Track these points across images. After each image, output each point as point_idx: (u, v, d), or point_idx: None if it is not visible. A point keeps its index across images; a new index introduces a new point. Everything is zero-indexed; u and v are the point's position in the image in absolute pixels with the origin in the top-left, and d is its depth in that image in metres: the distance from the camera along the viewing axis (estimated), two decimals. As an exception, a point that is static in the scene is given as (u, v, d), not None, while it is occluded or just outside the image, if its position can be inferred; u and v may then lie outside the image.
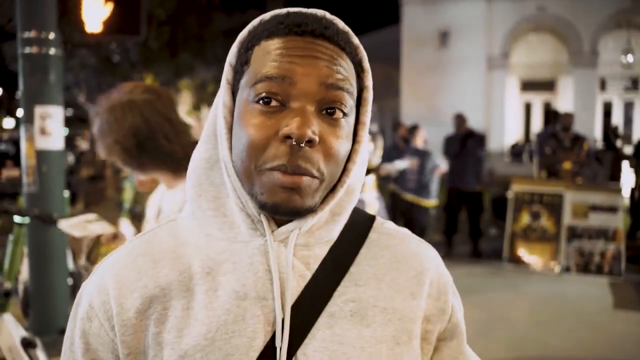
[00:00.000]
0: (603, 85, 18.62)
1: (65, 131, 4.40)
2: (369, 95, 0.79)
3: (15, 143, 12.61)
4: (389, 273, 0.81)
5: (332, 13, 0.77)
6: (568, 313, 5.22)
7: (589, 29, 17.40)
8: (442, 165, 7.37)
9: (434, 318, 0.83)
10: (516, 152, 16.74)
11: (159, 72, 13.14)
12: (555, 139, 6.99)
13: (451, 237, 7.46)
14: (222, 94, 0.77)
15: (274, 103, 0.71)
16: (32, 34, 4.03)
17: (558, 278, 6.44)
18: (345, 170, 0.77)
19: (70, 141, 13.79)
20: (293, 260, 0.76)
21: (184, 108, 30.92)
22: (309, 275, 0.76)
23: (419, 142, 7.19)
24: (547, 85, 18.89)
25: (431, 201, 7.00)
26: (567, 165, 6.88)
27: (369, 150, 5.37)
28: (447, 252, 7.37)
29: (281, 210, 0.72)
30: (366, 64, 0.79)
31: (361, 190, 0.86)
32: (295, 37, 0.72)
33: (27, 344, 3.17)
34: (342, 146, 0.73)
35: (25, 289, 4.69)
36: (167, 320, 0.75)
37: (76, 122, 23.66)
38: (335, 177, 0.75)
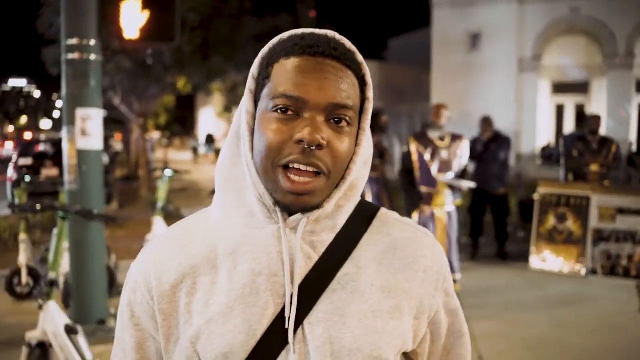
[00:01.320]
0: (639, 88, 18.27)
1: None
2: (370, 105, 0.94)
3: (54, 144, 13.06)
4: (387, 258, 0.95)
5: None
6: (591, 315, 5.26)
7: (624, 30, 17.14)
8: (468, 167, 7.41)
9: (425, 302, 0.96)
10: (547, 154, 16.58)
11: (191, 75, 13.44)
12: (583, 141, 7.00)
13: (477, 239, 7.53)
14: (246, 102, 0.92)
15: (289, 112, 0.86)
16: (74, 41, 4.29)
17: (584, 280, 6.46)
18: (347, 169, 0.91)
19: (105, 142, 14.18)
20: (302, 244, 0.90)
21: (215, 110, 31.33)
22: (316, 257, 0.91)
23: None
24: (580, 88, 18.63)
25: (455, 201, 7.05)
26: (594, 167, 6.89)
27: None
28: (473, 254, 7.44)
29: (293, 209, 0.88)
30: (368, 79, 0.94)
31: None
32: (309, 57, 0.87)
33: (70, 331, 3.42)
34: (346, 149, 0.88)
35: (66, 281, 4.97)
36: (196, 293, 0.91)
37: (111, 124, 24.28)
38: (341, 174, 0.89)
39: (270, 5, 15.47)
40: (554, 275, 6.64)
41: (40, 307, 3.45)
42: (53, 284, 3.51)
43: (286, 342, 0.87)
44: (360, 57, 0.93)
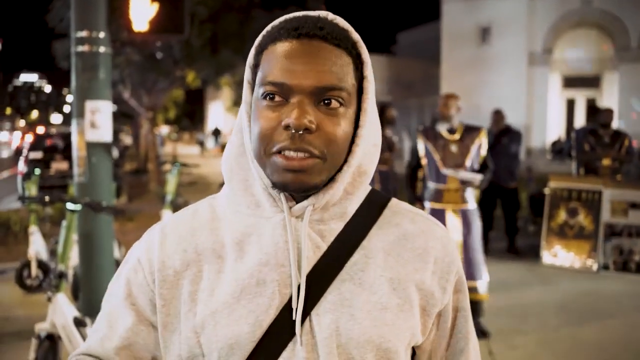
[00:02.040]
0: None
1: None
2: (369, 84, 0.89)
3: (64, 137, 13.10)
4: (396, 248, 0.92)
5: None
6: (603, 310, 5.21)
7: (637, 23, 16.96)
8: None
9: (436, 294, 0.92)
10: (557, 149, 16.46)
11: (200, 69, 13.44)
12: (595, 135, 6.91)
13: (487, 233, 7.47)
14: (244, 92, 0.91)
15: (278, 98, 0.83)
16: (84, 33, 4.28)
17: (596, 276, 6.40)
18: (350, 152, 0.88)
19: (114, 136, 14.24)
20: (310, 233, 0.88)
21: (225, 104, 31.34)
22: (324, 247, 0.88)
23: None
24: (591, 81, 18.47)
25: None
26: (606, 161, 6.80)
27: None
28: (483, 248, 7.38)
29: (289, 187, 0.84)
30: (365, 57, 0.89)
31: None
32: (293, 40, 0.84)
33: (78, 323, 3.41)
34: (339, 131, 0.84)
35: (75, 274, 4.97)
36: (202, 281, 0.89)
37: (121, 118, 24.35)
38: (339, 157, 0.86)
39: (279, -2, 15.38)
40: (565, 270, 6.58)
41: (49, 299, 3.45)
42: (62, 276, 3.51)
43: (293, 333, 0.85)
44: (355, 35, 0.89)
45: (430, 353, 0.98)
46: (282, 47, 0.85)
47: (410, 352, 0.95)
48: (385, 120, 6.95)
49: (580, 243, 6.70)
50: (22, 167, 12.03)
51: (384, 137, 6.83)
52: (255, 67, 0.89)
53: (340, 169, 0.88)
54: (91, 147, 4.37)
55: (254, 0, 14.23)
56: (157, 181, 14.04)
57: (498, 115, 7.44)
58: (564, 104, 19.05)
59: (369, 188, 0.98)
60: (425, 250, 0.93)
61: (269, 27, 0.89)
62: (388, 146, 6.87)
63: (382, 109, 6.98)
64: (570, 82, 18.76)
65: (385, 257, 0.90)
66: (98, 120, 4.36)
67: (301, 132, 0.81)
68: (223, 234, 0.91)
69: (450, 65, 18.87)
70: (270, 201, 0.88)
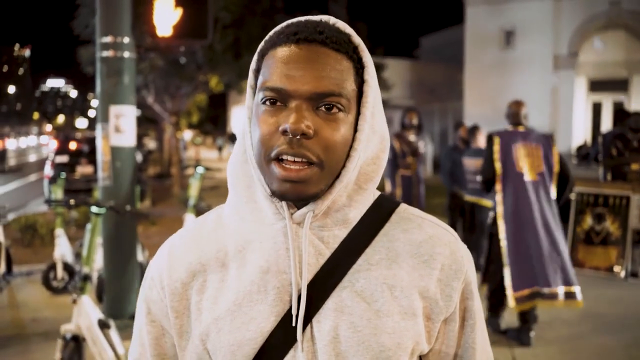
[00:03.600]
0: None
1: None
2: (369, 88, 0.88)
3: (89, 142, 13.32)
4: (401, 255, 0.90)
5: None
6: (629, 318, 5.11)
7: (667, 25, 16.63)
8: None
9: (441, 302, 0.90)
10: (583, 154, 16.21)
11: (223, 73, 13.54)
12: (623, 139, 6.80)
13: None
14: (247, 97, 0.91)
15: (276, 103, 0.83)
16: (108, 38, 4.36)
17: (622, 283, 6.28)
18: (348, 156, 0.86)
19: (138, 140, 14.46)
20: (313, 239, 0.88)
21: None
22: (328, 253, 0.88)
23: (480, 142, 7.14)
24: (620, 85, 18.13)
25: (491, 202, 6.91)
26: (635, 166, 6.68)
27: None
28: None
29: (288, 197, 0.84)
30: (366, 61, 0.88)
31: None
32: (292, 45, 0.84)
33: (103, 325, 3.47)
34: (338, 136, 0.83)
35: (100, 276, 5.05)
36: (206, 290, 0.90)
37: (144, 122, 24.66)
38: (338, 164, 0.85)
39: (301, 3, 15.50)
40: (591, 277, 6.47)
41: (75, 301, 3.51)
42: (87, 278, 3.56)
43: (294, 340, 0.85)
44: (356, 39, 0.89)
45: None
46: (281, 52, 0.85)
47: None
48: (410, 124, 6.91)
49: (607, 249, 6.59)
50: (48, 170, 12.27)
51: (407, 142, 6.81)
52: (257, 72, 0.89)
53: (339, 175, 0.87)
54: (115, 151, 4.44)
55: (277, 5, 14.32)
56: (180, 185, 14.18)
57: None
58: (590, 107, 18.76)
59: (377, 194, 0.97)
60: (432, 257, 0.91)
61: (271, 32, 0.90)
62: (412, 151, 6.85)
63: (405, 113, 6.96)
64: (597, 85, 18.45)
65: (389, 264, 0.89)
66: (122, 125, 4.43)
67: (298, 137, 0.81)
68: (226, 242, 0.92)
69: (474, 69, 18.73)
70: (272, 208, 0.88)
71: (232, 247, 0.91)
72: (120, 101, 4.42)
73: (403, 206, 0.97)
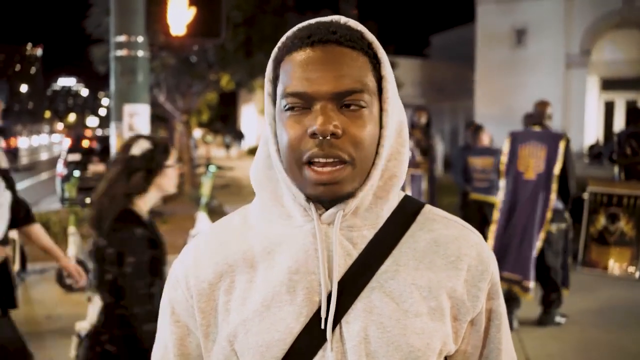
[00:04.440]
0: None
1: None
2: (387, 84, 0.88)
3: (101, 140, 13.41)
4: (428, 256, 0.90)
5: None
6: (645, 319, 5.07)
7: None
8: None
9: (467, 302, 0.90)
10: (595, 153, 16.08)
11: (234, 72, 13.57)
12: (637, 138, 6.73)
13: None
14: (266, 105, 0.91)
15: (300, 108, 0.84)
16: (123, 38, 4.37)
17: (636, 283, 6.22)
18: (376, 154, 0.87)
19: (150, 139, 14.45)
20: (342, 240, 0.88)
21: (257, 107, 31.58)
22: (355, 254, 0.88)
23: (485, 141, 7.13)
24: (633, 84, 17.94)
25: None
26: (649, 166, 6.62)
27: None
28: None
29: (324, 199, 0.85)
30: (381, 57, 0.88)
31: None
32: (307, 48, 0.84)
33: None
34: (366, 133, 0.84)
35: (113, 274, 5.06)
36: (234, 291, 0.90)
37: (155, 121, 24.77)
38: (368, 160, 0.86)
39: (312, 1, 15.46)
40: (604, 278, 6.42)
41: (89, 299, 3.52)
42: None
43: (323, 340, 0.85)
44: (369, 36, 0.88)
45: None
46: (297, 56, 0.85)
47: None
48: (419, 123, 6.90)
49: (621, 250, 6.53)
50: (61, 169, 12.35)
51: (415, 140, 6.78)
52: (275, 79, 0.89)
53: (369, 173, 0.87)
54: (129, 149, 4.45)
55: (288, 4, 14.32)
56: (191, 184, 14.22)
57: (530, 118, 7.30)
58: (602, 106, 18.60)
59: (402, 194, 0.97)
60: (459, 258, 0.91)
61: (283, 38, 0.89)
62: (424, 150, 6.83)
63: (414, 112, 6.93)
64: (610, 84, 18.29)
65: (417, 265, 0.89)
66: (136, 123, 4.45)
67: (328, 137, 0.81)
68: (254, 243, 0.92)
69: (485, 67, 18.63)
70: (300, 211, 0.88)
71: (260, 248, 0.91)
72: (134, 100, 4.44)
73: (428, 207, 0.97)
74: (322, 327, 0.85)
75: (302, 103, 0.83)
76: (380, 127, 0.87)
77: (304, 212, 0.88)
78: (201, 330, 0.92)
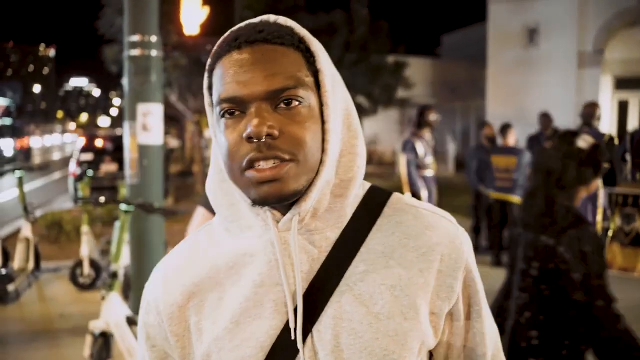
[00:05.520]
0: None
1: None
2: (324, 77, 0.84)
3: (113, 140, 13.46)
4: (398, 250, 0.87)
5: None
6: (662, 321, 5.00)
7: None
8: None
9: (443, 294, 0.87)
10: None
11: (245, 72, 13.59)
12: (652, 138, 6.65)
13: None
14: (208, 115, 0.89)
15: (236, 113, 0.81)
16: (137, 37, 4.38)
17: (653, 285, 6.15)
18: (323, 150, 0.83)
19: (162, 139, 14.56)
20: (305, 245, 0.85)
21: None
22: (322, 258, 0.85)
23: (511, 141, 7.09)
24: (647, 83, 17.73)
25: None
26: (665, 166, 6.54)
27: None
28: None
29: (270, 200, 0.80)
30: (315, 50, 0.85)
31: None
32: (234, 50, 0.82)
33: (131, 322, 3.49)
34: (305, 130, 0.80)
35: (126, 273, 5.09)
36: (204, 310, 0.89)
37: (167, 121, 24.85)
38: (313, 157, 0.82)
39: (323, 1, 15.44)
40: (620, 279, 6.35)
41: (103, 298, 3.54)
42: (115, 276, 3.59)
43: (296, 352, 0.83)
44: (301, 31, 0.86)
45: (447, 353, 0.93)
46: (226, 61, 0.82)
47: (427, 357, 0.92)
48: (425, 122, 6.84)
49: (636, 251, 6.46)
50: (74, 168, 12.42)
51: (426, 141, 6.71)
52: (210, 88, 0.86)
53: (318, 172, 0.84)
54: (143, 149, 4.46)
55: (299, 4, 14.32)
56: (202, 183, 14.26)
57: (547, 118, 7.29)
58: (616, 106, 18.41)
59: (367, 186, 0.94)
60: (430, 248, 0.87)
61: (215, 47, 0.87)
62: (433, 151, 6.77)
63: (422, 112, 6.86)
64: (624, 83, 18.09)
65: (386, 262, 0.86)
66: (150, 123, 4.45)
67: (263, 139, 0.78)
68: (218, 260, 0.90)
69: (497, 67, 18.50)
70: (258, 220, 0.86)
71: (224, 264, 0.89)
72: (148, 99, 4.44)
73: (396, 196, 0.94)
74: (293, 338, 0.83)
75: (236, 108, 0.81)
76: (323, 122, 0.84)
77: (262, 221, 0.86)
78: (177, 354, 0.91)
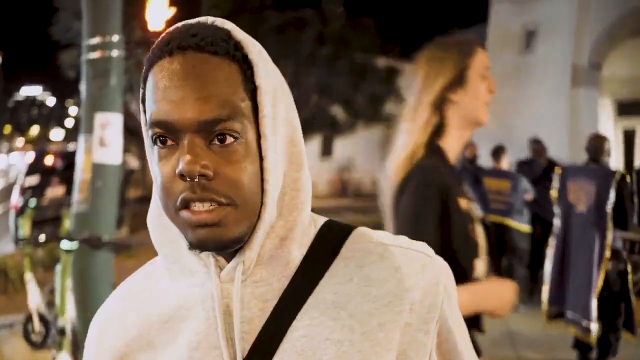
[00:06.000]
0: None
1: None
2: (263, 96, 0.77)
3: (64, 157, 12.91)
4: (354, 300, 0.80)
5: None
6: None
7: None
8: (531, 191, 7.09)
9: (411, 352, 0.81)
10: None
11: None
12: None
13: (537, 270, 6.85)
14: (144, 137, 0.80)
15: (169, 142, 0.75)
16: (97, 39, 4.16)
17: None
18: (263, 190, 0.78)
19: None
20: (251, 299, 0.80)
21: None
22: (267, 313, 0.79)
23: (504, 164, 7.22)
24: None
25: (524, 226, 6.80)
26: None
27: None
28: (531, 288, 6.89)
29: (209, 245, 0.76)
30: (253, 58, 0.77)
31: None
32: (166, 57, 0.75)
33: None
34: (241, 172, 0.75)
35: (73, 329, 4.58)
36: None
37: (127, 135, 24.20)
38: (253, 199, 0.77)
39: (292, 0, 15.05)
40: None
41: (54, 359, 3.19)
42: (63, 332, 3.23)
43: None
44: (239, 34, 0.78)
45: None
46: (157, 70, 0.76)
47: None
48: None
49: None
50: (15, 199, 11.75)
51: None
52: (144, 102, 0.79)
53: (260, 214, 0.79)
54: (97, 168, 4.11)
55: (266, 3, 14.46)
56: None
57: (539, 145, 7.54)
58: (621, 135, 17.53)
59: (321, 222, 0.87)
60: (398, 296, 0.80)
61: (150, 50, 0.81)
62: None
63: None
64: (628, 108, 17.51)
65: (336, 314, 0.79)
66: (108, 137, 4.19)
67: (197, 179, 0.73)
68: (153, 313, 0.84)
69: (492, 74, 18.30)
70: (201, 265, 0.81)
71: (157, 319, 0.83)
72: (107, 108, 4.16)
73: (358, 232, 0.86)
74: None
75: (168, 135, 0.75)
76: (261, 157, 0.77)
77: (205, 267, 0.81)
78: None
